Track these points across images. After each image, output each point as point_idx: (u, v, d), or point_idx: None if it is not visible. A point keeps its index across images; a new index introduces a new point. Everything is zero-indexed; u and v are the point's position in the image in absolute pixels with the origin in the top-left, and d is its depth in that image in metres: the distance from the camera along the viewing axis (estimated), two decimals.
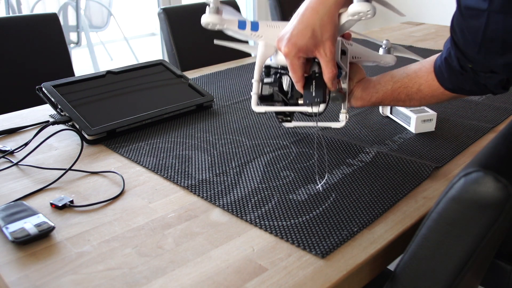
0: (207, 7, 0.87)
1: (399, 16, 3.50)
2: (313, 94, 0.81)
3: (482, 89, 0.77)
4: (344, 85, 0.91)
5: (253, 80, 0.90)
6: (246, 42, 0.92)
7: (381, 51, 0.99)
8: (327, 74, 0.81)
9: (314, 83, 0.83)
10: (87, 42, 3.54)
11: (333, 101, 0.91)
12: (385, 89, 0.88)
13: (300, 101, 0.87)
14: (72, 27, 3.40)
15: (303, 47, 0.78)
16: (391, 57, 0.98)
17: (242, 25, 0.89)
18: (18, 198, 0.77)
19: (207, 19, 0.88)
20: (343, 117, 0.92)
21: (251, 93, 0.90)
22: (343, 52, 0.90)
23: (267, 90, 0.90)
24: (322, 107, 0.84)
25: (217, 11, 0.88)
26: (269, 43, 0.88)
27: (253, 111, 0.98)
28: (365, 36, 1.03)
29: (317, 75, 0.83)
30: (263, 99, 0.91)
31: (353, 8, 0.76)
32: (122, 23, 4.21)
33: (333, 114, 1.13)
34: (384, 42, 0.99)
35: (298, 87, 0.84)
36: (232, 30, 0.90)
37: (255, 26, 0.89)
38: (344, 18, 0.79)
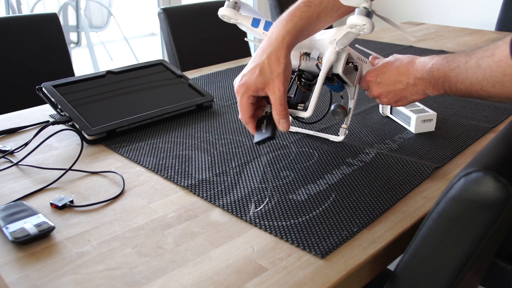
0: (226, 1, 0.92)
1: (399, 16, 3.49)
2: (263, 131, 0.81)
3: None
4: (351, 102, 0.93)
5: None
6: None
7: None
8: (275, 112, 0.79)
9: (265, 122, 0.82)
10: (87, 42, 3.54)
11: (333, 116, 0.93)
12: (448, 55, 0.79)
13: (299, 107, 0.87)
14: (72, 27, 3.40)
15: (252, 85, 0.78)
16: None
17: (255, 23, 0.91)
18: (18, 198, 0.77)
19: (223, 12, 0.92)
20: (342, 131, 0.95)
21: None
22: (355, 68, 0.91)
23: None
24: (309, 112, 0.84)
25: (234, 6, 0.92)
26: None
27: None
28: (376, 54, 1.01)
29: (268, 114, 0.82)
30: None
31: (351, 20, 0.76)
32: (122, 23, 4.21)
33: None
34: None
35: (249, 128, 0.83)
36: (245, 26, 0.93)
37: (268, 26, 0.90)
38: (342, 31, 0.80)
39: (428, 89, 0.82)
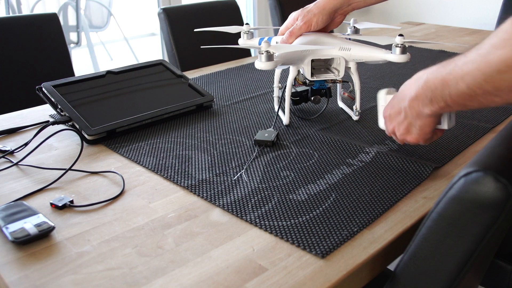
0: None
1: (399, 16, 3.49)
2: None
3: None
4: (356, 84, 1.05)
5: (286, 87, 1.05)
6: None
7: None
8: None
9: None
10: (87, 42, 3.54)
11: (343, 103, 1.10)
12: (444, 61, 0.69)
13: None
14: (72, 27, 3.40)
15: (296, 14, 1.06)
16: (407, 56, 0.95)
17: (261, 43, 1.02)
18: (18, 198, 0.77)
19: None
20: (356, 113, 1.08)
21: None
22: (327, 64, 1.04)
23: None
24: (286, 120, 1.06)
25: (248, 37, 1.13)
26: None
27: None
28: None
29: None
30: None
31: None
32: (122, 23, 4.21)
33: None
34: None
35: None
36: (254, 48, 1.06)
37: (269, 37, 1.07)
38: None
39: (427, 106, 0.72)
